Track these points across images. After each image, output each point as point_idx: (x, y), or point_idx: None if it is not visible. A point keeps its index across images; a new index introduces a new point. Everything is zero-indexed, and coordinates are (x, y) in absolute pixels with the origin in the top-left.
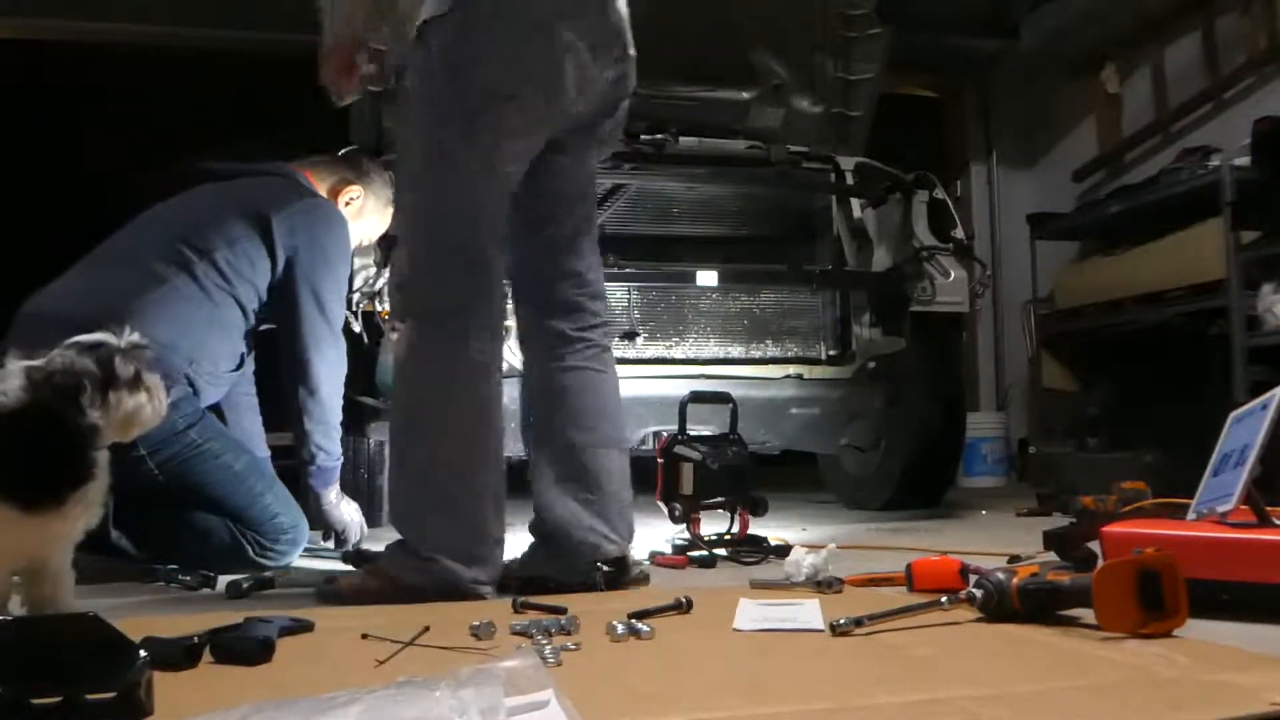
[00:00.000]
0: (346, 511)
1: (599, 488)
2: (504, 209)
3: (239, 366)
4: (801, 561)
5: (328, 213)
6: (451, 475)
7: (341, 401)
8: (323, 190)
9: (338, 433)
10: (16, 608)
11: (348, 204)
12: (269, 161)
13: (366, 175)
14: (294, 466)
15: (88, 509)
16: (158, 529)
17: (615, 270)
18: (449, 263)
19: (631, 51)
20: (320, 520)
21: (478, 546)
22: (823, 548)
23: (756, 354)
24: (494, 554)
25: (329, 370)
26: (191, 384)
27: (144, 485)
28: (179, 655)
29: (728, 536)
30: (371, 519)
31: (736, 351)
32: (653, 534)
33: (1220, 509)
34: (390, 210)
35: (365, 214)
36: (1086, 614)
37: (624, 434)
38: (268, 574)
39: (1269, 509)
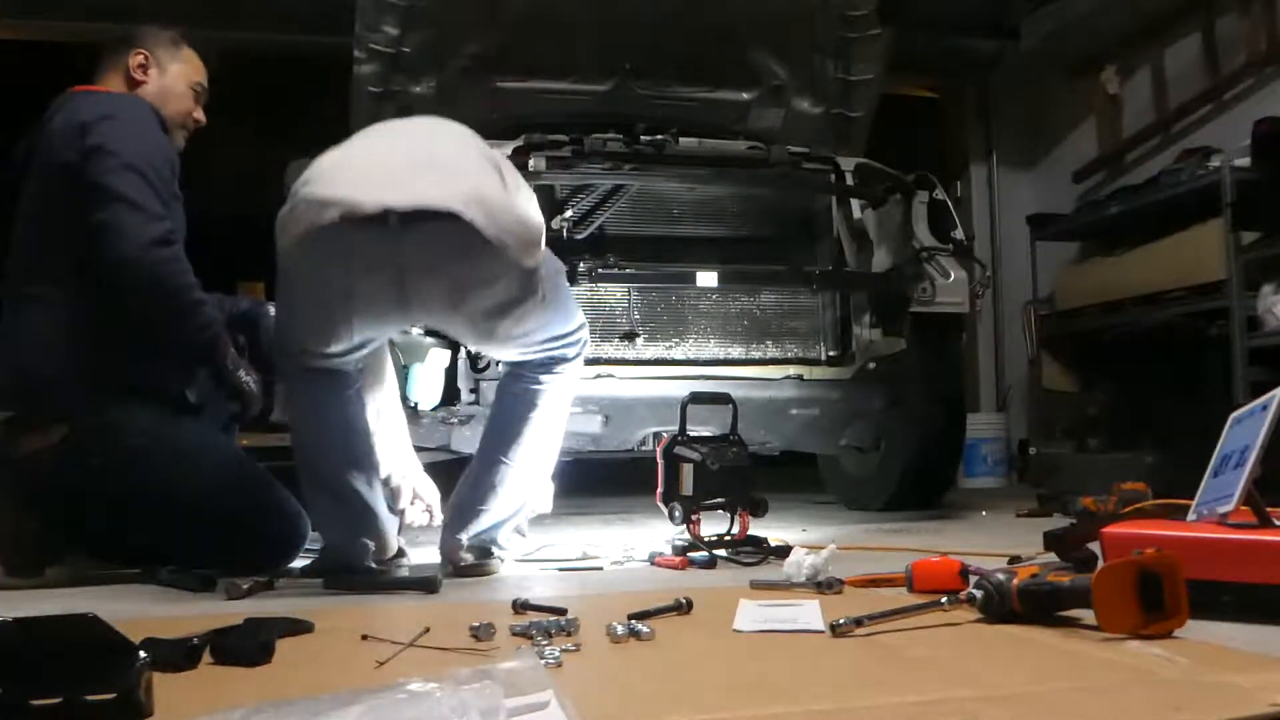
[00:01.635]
0: (242, 379)
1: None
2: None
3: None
4: (802, 562)
5: (85, 105)
6: (331, 476)
7: (177, 269)
8: (119, 78)
9: (194, 317)
10: None
11: (142, 69)
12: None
13: (139, 38)
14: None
15: None
16: (156, 531)
17: (615, 270)
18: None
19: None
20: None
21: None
22: (823, 548)
23: (756, 355)
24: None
25: (131, 233)
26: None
27: (133, 496)
28: (179, 656)
29: (728, 537)
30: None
31: (736, 352)
32: (653, 535)
33: (1220, 510)
34: (182, 50)
35: (164, 62)
36: (1087, 615)
37: (508, 450)
38: (266, 576)
39: (1269, 509)
